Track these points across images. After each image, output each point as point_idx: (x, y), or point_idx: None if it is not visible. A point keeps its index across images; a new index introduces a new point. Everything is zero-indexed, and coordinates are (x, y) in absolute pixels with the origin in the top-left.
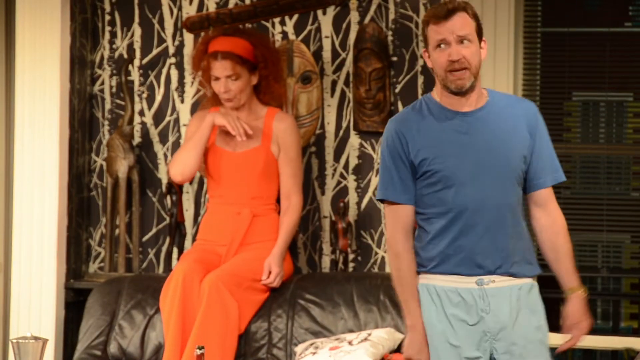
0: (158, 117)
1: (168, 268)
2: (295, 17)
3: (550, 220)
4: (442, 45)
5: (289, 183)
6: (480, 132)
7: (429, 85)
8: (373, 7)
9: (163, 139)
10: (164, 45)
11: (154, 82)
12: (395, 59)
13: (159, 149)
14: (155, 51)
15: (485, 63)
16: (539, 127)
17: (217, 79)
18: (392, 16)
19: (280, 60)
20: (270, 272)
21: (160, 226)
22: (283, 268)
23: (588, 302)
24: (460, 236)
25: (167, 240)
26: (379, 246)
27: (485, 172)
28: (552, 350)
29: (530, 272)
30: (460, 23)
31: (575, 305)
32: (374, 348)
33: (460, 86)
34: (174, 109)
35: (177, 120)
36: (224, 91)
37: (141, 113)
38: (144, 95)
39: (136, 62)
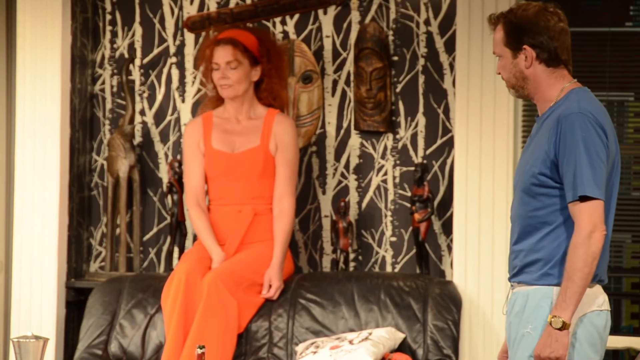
0: (159, 117)
1: (169, 267)
2: (296, 16)
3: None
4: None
5: (282, 185)
6: (529, 142)
7: (429, 85)
8: (374, 7)
9: (164, 138)
10: (164, 44)
11: (155, 82)
12: (396, 58)
13: (159, 148)
14: (156, 51)
15: (487, 63)
16: (560, 135)
17: (217, 67)
18: (392, 16)
19: (284, 60)
20: (270, 286)
21: (161, 225)
22: (282, 281)
23: None
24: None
25: (168, 239)
26: (379, 246)
27: (516, 183)
28: None
29: (535, 281)
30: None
31: None
32: (375, 347)
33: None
34: (174, 108)
35: (177, 120)
36: (221, 77)
37: (142, 112)
38: (145, 95)
39: (137, 61)
